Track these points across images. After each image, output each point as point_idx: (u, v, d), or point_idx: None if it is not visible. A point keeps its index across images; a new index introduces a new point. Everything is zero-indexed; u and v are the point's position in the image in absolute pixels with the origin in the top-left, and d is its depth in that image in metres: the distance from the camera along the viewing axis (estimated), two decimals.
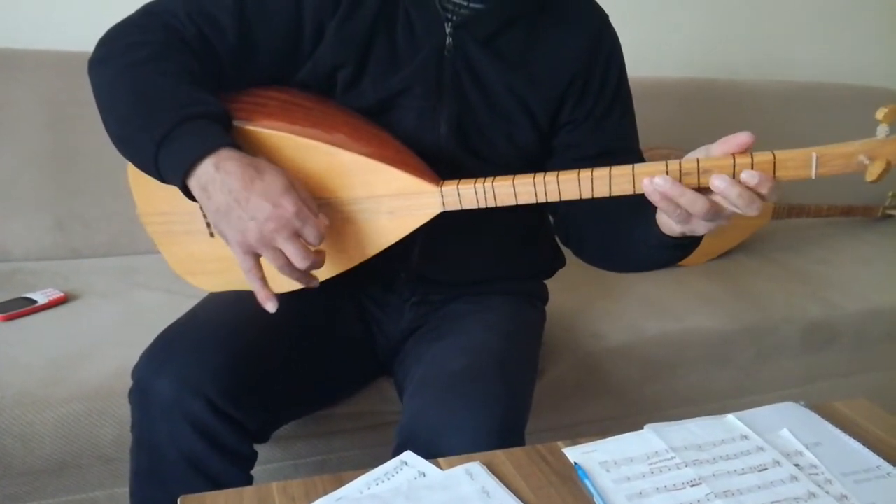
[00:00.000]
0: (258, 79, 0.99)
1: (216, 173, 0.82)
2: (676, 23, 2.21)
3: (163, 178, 0.87)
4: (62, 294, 1.33)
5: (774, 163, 0.77)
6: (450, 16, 0.98)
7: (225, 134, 0.86)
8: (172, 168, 0.84)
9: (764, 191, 0.77)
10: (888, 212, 2.27)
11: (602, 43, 1.04)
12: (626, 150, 1.05)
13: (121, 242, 1.57)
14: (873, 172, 0.76)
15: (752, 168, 0.77)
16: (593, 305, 1.52)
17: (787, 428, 0.81)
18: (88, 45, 0.96)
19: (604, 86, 1.04)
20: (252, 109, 0.95)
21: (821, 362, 1.63)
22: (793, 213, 2.06)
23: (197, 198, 0.85)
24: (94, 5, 1.63)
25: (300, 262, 0.84)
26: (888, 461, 0.77)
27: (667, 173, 0.79)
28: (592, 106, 1.04)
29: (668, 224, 0.84)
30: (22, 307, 1.27)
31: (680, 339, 1.46)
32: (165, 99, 0.87)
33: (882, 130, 0.76)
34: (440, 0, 0.98)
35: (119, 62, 0.91)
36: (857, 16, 2.44)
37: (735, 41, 2.31)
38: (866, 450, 0.79)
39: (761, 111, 2.16)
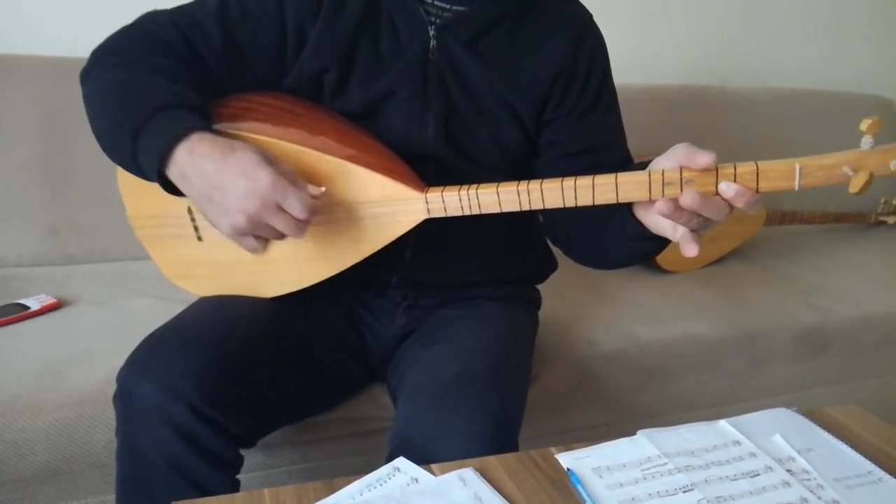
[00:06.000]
0: (247, 84, 1.00)
1: (191, 158, 0.81)
2: (668, 30, 2.22)
3: (144, 174, 0.86)
4: (55, 300, 1.33)
5: (757, 173, 0.77)
6: (433, 19, 0.99)
7: (197, 118, 0.85)
8: (149, 160, 0.83)
9: (739, 204, 0.78)
10: (881, 218, 2.28)
11: (585, 41, 1.05)
12: (610, 146, 1.05)
13: (114, 248, 1.56)
14: (856, 184, 0.75)
15: (735, 178, 0.78)
16: (586, 311, 1.52)
17: (779, 433, 0.81)
18: (82, 51, 0.97)
19: (587, 83, 1.05)
20: (240, 114, 0.95)
21: (813, 369, 1.64)
22: (786, 219, 2.07)
23: (181, 189, 0.84)
24: (89, 12, 1.64)
25: (294, 233, 0.84)
26: (880, 467, 0.77)
27: (649, 182, 0.79)
28: (575, 103, 1.05)
29: (661, 226, 0.84)
30: (14, 313, 1.27)
31: (673, 346, 1.46)
32: (141, 93, 0.87)
33: (866, 142, 0.76)
34: (422, 3, 0.98)
35: (102, 67, 0.92)
36: (847, 23, 2.46)
37: (726, 48, 2.33)
38: (858, 455, 0.79)
39: (752, 117, 2.17)
